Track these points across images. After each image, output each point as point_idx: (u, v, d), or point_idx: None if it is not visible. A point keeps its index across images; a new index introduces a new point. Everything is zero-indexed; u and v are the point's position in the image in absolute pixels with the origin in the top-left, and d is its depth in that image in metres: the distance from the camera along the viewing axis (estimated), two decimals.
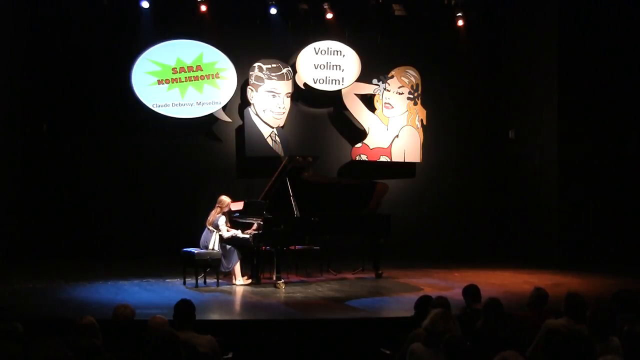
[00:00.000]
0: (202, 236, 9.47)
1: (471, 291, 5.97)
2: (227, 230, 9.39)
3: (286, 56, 12.56)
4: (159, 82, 12.04)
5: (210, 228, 9.40)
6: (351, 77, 12.66)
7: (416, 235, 12.60)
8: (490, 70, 13.40)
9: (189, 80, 12.13)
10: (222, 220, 9.39)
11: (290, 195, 9.41)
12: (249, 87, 12.30)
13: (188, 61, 12.15)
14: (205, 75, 12.19)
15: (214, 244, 9.33)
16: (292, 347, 6.90)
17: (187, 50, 12.18)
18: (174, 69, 12.11)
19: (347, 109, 12.81)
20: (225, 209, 9.49)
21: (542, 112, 12.27)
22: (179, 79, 12.11)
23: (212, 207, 9.58)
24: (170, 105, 12.06)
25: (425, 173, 13.14)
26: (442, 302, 5.24)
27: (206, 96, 12.17)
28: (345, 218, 9.99)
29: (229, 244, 9.36)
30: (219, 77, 12.22)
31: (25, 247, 11.58)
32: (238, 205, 9.79)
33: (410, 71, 12.93)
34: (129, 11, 12.03)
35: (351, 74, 12.66)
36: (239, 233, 9.42)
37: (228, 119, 12.47)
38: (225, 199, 9.52)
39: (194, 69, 12.16)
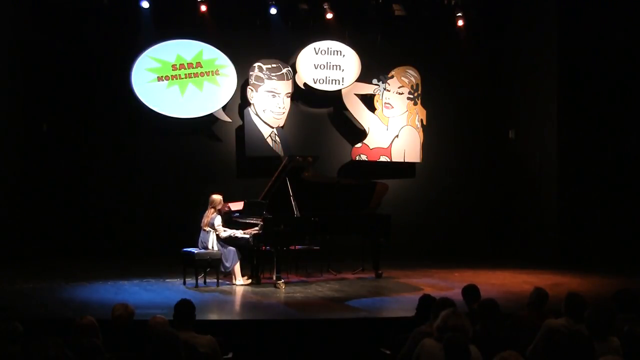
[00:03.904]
0: (199, 238, 9.45)
1: (470, 291, 5.96)
2: (224, 230, 9.40)
3: (286, 56, 12.56)
4: (159, 78, 12.02)
5: (207, 229, 9.39)
6: (351, 77, 12.66)
7: (416, 235, 12.59)
8: (490, 70, 13.41)
9: (189, 77, 12.10)
10: (218, 220, 9.38)
11: (290, 196, 9.40)
12: (249, 87, 12.30)
13: (188, 58, 12.13)
14: (205, 72, 12.16)
15: (212, 243, 9.33)
16: (292, 347, 6.90)
17: (187, 47, 12.17)
18: (173, 65, 12.08)
19: (347, 109, 12.82)
20: (219, 207, 9.47)
21: (542, 112, 12.27)
22: (179, 76, 12.08)
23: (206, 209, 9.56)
24: (170, 102, 12.02)
25: (425, 173, 13.14)
26: (448, 302, 5.23)
27: (206, 93, 12.15)
28: (345, 218, 9.98)
29: (228, 244, 9.36)
30: (219, 74, 12.21)
31: (25, 247, 11.57)
32: (238, 205, 9.80)
33: (410, 71, 12.93)
34: (129, 11, 12.03)
35: (351, 74, 12.66)
36: (238, 232, 9.42)
37: (228, 119, 12.47)
38: (216, 197, 9.50)
39: (194, 66, 12.13)
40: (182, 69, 12.08)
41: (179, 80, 12.06)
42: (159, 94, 12.00)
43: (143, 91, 11.95)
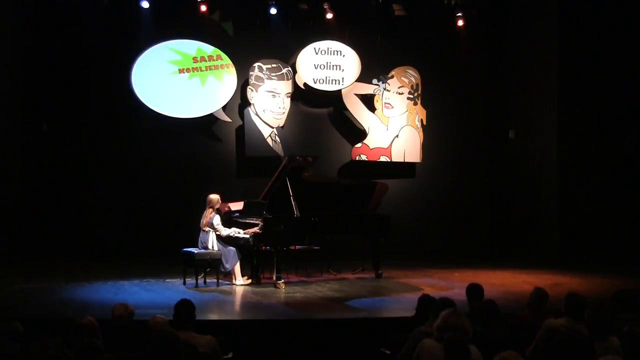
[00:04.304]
0: (199, 238, 9.45)
1: (474, 290, 5.95)
2: (224, 229, 9.39)
3: (286, 56, 12.56)
4: (180, 70, 12.12)
5: (206, 229, 9.39)
6: (351, 77, 12.66)
7: (416, 235, 12.59)
8: (490, 71, 13.40)
9: (209, 70, 12.21)
10: (217, 219, 9.38)
11: (290, 196, 9.40)
12: (249, 87, 12.30)
13: (208, 50, 12.24)
14: (225, 64, 12.27)
15: (212, 243, 9.33)
16: (292, 347, 6.90)
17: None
18: (194, 57, 12.20)
19: (347, 109, 12.81)
20: (217, 206, 9.47)
21: (542, 112, 12.27)
22: (200, 68, 12.19)
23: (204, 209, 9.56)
24: (191, 94, 12.10)
25: (425, 173, 13.14)
26: (448, 302, 5.23)
27: (225, 84, 12.23)
28: (345, 218, 9.97)
29: (228, 244, 9.35)
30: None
31: (25, 247, 11.57)
32: (238, 205, 9.80)
33: (410, 71, 12.93)
34: (129, 11, 12.02)
35: (351, 74, 12.66)
36: (240, 232, 9.41)
37: (228, 119, 12.47)
38: (213, 196, 9.50)
39: (214, 58, 12.25)
40: (203, 62, 12.22)
41: (200, 72, 12.21)
42: (181, 85, 12.08)
43: (164, 82, 12.00)
